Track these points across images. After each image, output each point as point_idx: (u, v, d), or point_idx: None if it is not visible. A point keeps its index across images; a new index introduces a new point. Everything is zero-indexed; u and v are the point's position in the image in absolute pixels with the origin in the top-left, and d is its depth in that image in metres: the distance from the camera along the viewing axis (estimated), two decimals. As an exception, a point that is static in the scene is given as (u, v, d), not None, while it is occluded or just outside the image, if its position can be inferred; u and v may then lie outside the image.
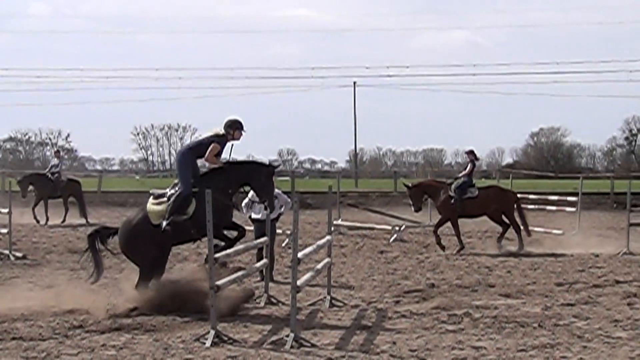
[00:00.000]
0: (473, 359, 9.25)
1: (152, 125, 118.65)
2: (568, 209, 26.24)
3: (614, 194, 40.28)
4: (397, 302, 12.90)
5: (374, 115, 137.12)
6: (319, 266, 12.21)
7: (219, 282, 10.17)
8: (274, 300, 12.63)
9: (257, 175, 12.43)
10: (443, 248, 20.01)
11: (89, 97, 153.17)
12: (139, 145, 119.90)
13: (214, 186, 11.66)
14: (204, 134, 12.84)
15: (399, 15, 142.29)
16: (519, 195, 22.13)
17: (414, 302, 12.86)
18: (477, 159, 21.63)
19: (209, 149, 12.30)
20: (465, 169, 21.39)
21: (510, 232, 20.73)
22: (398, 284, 14.82)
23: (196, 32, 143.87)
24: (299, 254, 10.24)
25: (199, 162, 12.70)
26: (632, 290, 13.87)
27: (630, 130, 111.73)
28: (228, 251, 11.16)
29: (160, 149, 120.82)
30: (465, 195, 20.50)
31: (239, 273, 11.21)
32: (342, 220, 26.27)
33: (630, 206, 20.68)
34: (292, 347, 9.59)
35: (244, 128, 12.64)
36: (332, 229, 15.41)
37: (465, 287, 14.41)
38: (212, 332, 9.91)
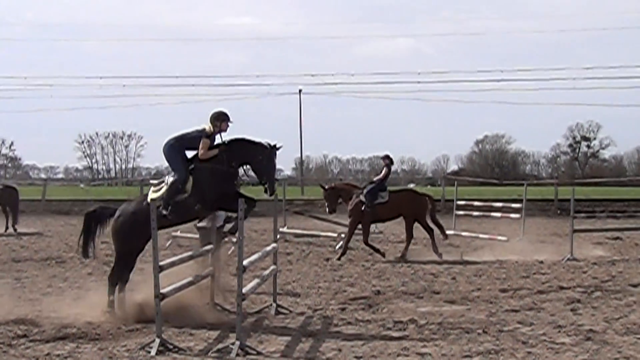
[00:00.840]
0: (418, 365, 9.29)
1: (97, 133, 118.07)
2: (512, 215, 26.46)
3: (558, 200, 40.76)
4: (343, 309, 12.89)
5: (320, 123, 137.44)
6: (265, 273, 12.20)
7: (164, 290, 10.10)
8: (220, 308, 12.57)
9: (258, 155, 12.28)
10: (383, 254, 20.07)
11: (32, 105, 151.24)
12: (84, 153, 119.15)
13: (214, 161, 11.88)
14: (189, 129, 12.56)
15: (344, 23, 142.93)
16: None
17: (359, 309, 12.88)
18: (392, 163, 21.70)
19: (201, 145, 12.12)
20: (381, 172, 21.38)
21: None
22: (344, 291, 14.84)
23: (141, 40, 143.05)
24: (245, 262, 10.21)
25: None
26: (575, 296, 14.03)
27: (574, 138, 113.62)
28: (173, 259, 11.06)
29: (105, 157, 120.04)
30: (376, 201, 20.53)
31: (184, 281, 11.13)
32: (288, 227, 26.24)
33: (573, 213, 20.92)
34: (237, 355, 9.56)
35: (230, 119, 12.51)
36: (278, 236, 15.42)
37: (411, 294, 14.47)
38: (157, 341, 9.83)
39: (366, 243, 20.47)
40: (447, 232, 21.91)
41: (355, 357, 9.64)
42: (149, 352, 9.72)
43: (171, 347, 9.89)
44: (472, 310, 12.78)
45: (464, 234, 25.13)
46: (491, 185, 65.84)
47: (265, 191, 12.47)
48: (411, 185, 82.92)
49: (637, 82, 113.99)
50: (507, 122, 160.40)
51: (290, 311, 12.59)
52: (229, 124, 12.51)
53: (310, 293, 14.52)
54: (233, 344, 9.74)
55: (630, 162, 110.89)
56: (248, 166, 12.43)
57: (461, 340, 10.53)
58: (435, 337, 10.76)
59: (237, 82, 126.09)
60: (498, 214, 26.66)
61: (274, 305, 12.62)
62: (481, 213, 27.23)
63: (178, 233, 22.91)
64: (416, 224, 20.69)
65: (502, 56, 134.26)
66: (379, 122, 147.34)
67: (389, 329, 11.28)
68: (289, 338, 10.70)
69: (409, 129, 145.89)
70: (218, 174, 12.09)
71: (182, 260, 11.26)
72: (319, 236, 24.72)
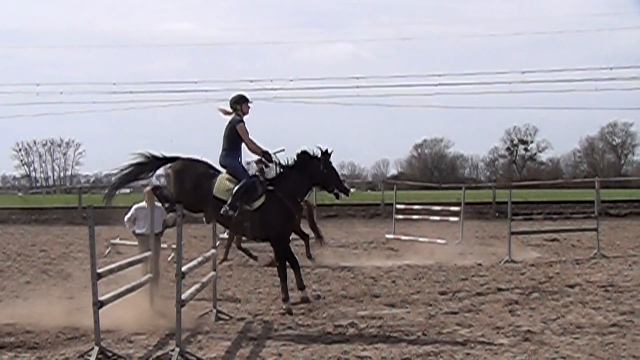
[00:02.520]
0: (358, 368, 9.32)
1: (35, 141, 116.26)
2: (451, 218, 26.68)
3: (496, 203, 41.14)
4: (283, 314, 12.88)
5: (259, 129, 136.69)
6: (204, 280, 12.14)
7: (102, 298, 9.99)
8: (160, 315, 12.47)
9: (319, 168, 12.42)
10: (255, 258, 20.02)
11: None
12: (21, 161, 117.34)
13: (285, 192, 12.11)
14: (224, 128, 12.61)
15: (283, 29, 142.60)
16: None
17: (300, 314, 12.88)
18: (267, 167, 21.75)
19: (241, 133, 12.23)
20: None
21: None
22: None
23: (78, 46, 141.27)
24: (183, 268, 10.15)
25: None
26: (513, 298, 14.18)
27: (512, 141, 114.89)
28: (112, 266, 10.95)
29: (43, 165, 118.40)
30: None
31: (123, 288, 11.03)
32: (227, 233, 26.05)
33: (511, 215, 21.15)
34: (177, 361, 9.50)
35: (250, 100, 12.63)
36: (218, 242, 15.35)
37: (351, 298, 14.51)
38: (96, 349, 9.74)
39: (239, 248, 20.42)
40: (387, 235, 21.99)
41: (296, 361, 9.65)
42: (88, 360, 9.62)
43: (110, 354, 9.80)
44: (411, 313, 12.85)
45: (403, 237, 25.27)
46: (430, 189, 66.31)
47: (337, 196, 12.79)
48: (352, 190, 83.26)
49: (573, 85, 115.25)
50: (445, 126, 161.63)
51: (231, 317, 12.54)
52: (249, 105, 12.65)
53: (251, 299, 14.48)
54: (173, 350, 9.68)
55: (567, 165, 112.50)
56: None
57: (401, 343, 10.59)
58: (375, 340, 10.80)
59: (176, 88, 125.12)
60: (437, 218, 26.85)
61: (214, 311, 12.57)
62: (420, 217, 27.41)
63: (117, 240, 22.71)
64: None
65: (439, 61, 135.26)
66: (318, 128, 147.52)
67: (329, 333, 11.30)
68: (229, 343, 10.67)
69: (348, 133, 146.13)
70: (287, 213, 12.25)
71: (120, 267, 11.16)
72: (259, 242, 24.59)
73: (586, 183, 56.64)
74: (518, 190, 52.05)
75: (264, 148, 12.62)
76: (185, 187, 12.22)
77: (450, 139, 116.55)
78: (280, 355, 9.97)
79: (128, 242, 21.03)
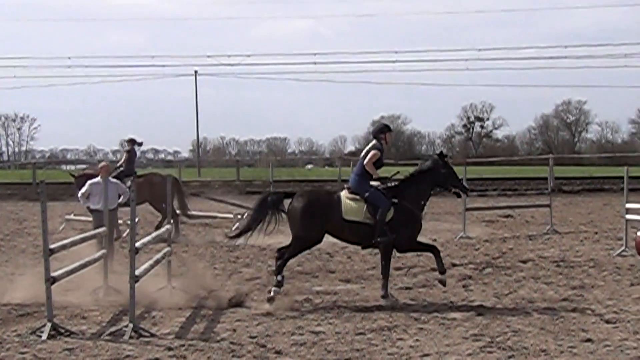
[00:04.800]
0: (312, 343, 9.35)
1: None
2: (407, 195, 26.75)
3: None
4: (239, 290, 12.88)
5: (217, 105, 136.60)
6: (158, 256, 12.11)
7: (54, 274, 9.94)
8: (114, 291, 12.42)
9: (439, 171, 12.54)
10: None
11: None
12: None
13: (407, 197, 12.17)
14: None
15: (241, 4, 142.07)
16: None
17: (255, 290, 12.90)
18: (139, 144, 21.88)
19: (369, 156, 12.36)
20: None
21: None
22: (240, 272, 14.86)
23: (33, 20, 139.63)
24: (137, 243, 10.12)
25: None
26: (467, 273, 14.33)
27: (468, 118, 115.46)
28: (64, 242, 10.87)
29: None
30: None
31: (77, 264, 10.97)
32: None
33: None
34: (131, 337, 9.50)
35: (392, 129, 13.17)
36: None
37: (307, 274, 14.57)
38: (49, 325, 9.69)
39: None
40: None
41: (250, 336, 9.66)
42: (40, 337, 9.57)
43: (63, 331, 9.76)
44: (366, 288, 12.93)
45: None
46: (387, 166, 66.34)
47: (458, 195, 13.11)
48: (309, 167, 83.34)
49: (528, 63, 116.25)
50: (402, 103, 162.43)
51: (185, 292, 12.50)
52: (392, 134, 13.06)
53: (206, 274, 14.44)
54: (126, 326, 9.67)
55: (522, 142, 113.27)
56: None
57: (355, 318, 10.66)
58: (330, 315, 10.87)
59: (133, 63, 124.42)
60: (393, 194, 26.87)
61: (169, 287, 12.54)
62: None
63: (71, 216, 22.57)
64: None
65: (397, 37, 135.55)
66: (277, 104, 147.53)
67: (284, 308, 11.33)
68: (183, 319, 10.67)
69: (306, 110, 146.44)
70: (412, 218, 12.28)
71: (73, 243, 11.10)
72: (215, 217, 24.59)
73: (541, 160, 57.02)
74: (473, 167, 52.38)
75: (378, 175, 12.60)
76: (316, 221, 12.15)
77: (408, 116, 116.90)
78: (234, 330, 10.00)
79: (83, 218, 20.91)
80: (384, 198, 12.09)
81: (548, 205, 22.14)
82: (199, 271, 14.68)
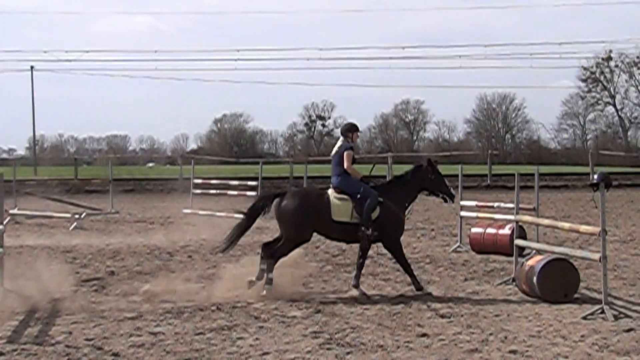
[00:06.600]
0: (151, 344, 9.23)
1: None
2: (249, 193, 26.80)
3: (294, 178, 41.68)
4: (76, 291, 12.61)
5: (55, 101, 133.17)
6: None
7: None
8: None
9: (427, 176, 12.81)
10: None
11: None
12: None
13: (392, 198, 12.41)
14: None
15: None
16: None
17: (92, 291, 12.64)
18: None
19: (345, 157, 12.55)
20: None
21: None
22: (77, 272, 14.51)
23: None
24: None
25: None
26: (308, 270, 14.39)
27: (310, 117, 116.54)
28: None
29: None
30: None
31: None
32: (18, 209, 25.24)
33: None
34: (-40, 343, 9.13)
35: (360, 130, 13.41)
36: (8, 218, 14.82)
37: (146, 274, 14.37)
38: None
39: None
40: (185, 210, 21.77)
41: (87, 339, 9.45)
42: None
43: None
44: (206, 287, 12.83)
45: (200, 212, 25.18)
46: (229, 164, 66.46)
47: (445, 200, 13.09)
48: (150, 165, 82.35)
49: (368, 63, 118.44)
50: (245, 101, 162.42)
51: (20, 295, 12.10)
52: (359, 134, 13.23)
53: (42, 275, 14.03)
54: (-45, 331, 9.31)
55: (362, 141, 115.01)
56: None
57: (195, 318, 10.59)
58: (169, 315, 10.75)
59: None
60: (235, 192, 26.91)
61: (1, 289, 12.12)
62: (218, 191, 27.40)
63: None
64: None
65: (239, 36, 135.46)
66: (117, 101, 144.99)
67: (122, 309, 11.14)
68: (16, 323, 10.34)
69: (147, 107, 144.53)
70: (396, 219, 12.51)
71: None
72: (52, 217, 23.99)
73: (380, 158, 58.11)
74: (315, 165, 52.87)
75: (361, 175, 12.84)
76: (307, 222, 12.33)
77: (250, 114, 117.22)
78: (70, 333, 9.76)
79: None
80: (373, 192, 12.44)
81: (386, 203, 22.51)
82: (35, 272, 14.25)
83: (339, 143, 12.86)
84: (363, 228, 12.27)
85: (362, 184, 12.57)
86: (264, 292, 11.95)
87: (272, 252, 12.27)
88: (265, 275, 12.13)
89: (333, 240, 13.09)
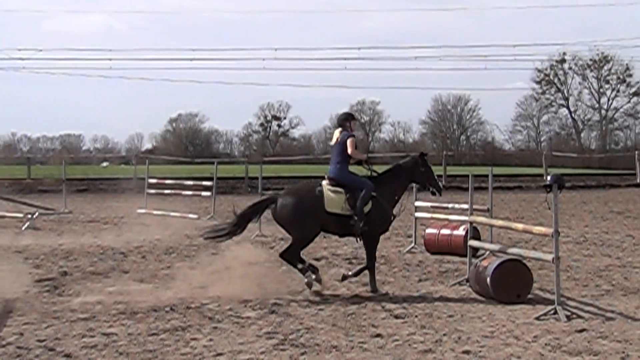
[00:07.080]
0: (104, 345, 9.16)
1: None
2: (204, 193, 26.74)
3: (249, 178, 41.58)
4: (28, 292, 12.47)
5: (7, 100, 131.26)
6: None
7: None
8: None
9: (418, 168, 12.95)
10: None
11: None
12: None
13: (383, 192, 12.53)
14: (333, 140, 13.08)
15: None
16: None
17: (44, 292, 12.51)
18: None
19: (349, 143, 12.60)
20: None
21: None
22: (29, 273, 14.35)
23: None
24: None
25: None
26: (262, 271, 14.28)
27: (265, 117, 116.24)
28: None
29: None
30: None
31: None
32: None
33: (262, 190, 21.49)
34: None
35: (357, 118, 12.67)
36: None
37: (99, 274, 14.25)
38: None
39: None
40: (139, 210, 21.67)
41: (38, 340, 9.35)
42: None
43: None
44: (160, 288, 12.76)
45: (155, 212, 25.06)
46: (184, 164, 66.19)
47: (434, 193, 13.16)
48: (104, 164, 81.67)
49: (324, 64, 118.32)
50: (200, 101, 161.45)
51: (-30, 296, 11.97)
52: (357, 123, 13.40)
53: (-8, 277, 13.90)
54: None
55: (318, 141, 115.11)
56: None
57: (148, 319, 10.52)
58: (122, 316, 10.67)
59: None
60: (189, 192, 26.82)
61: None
62: (173, 191, 27.28)
63: None
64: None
65: (194, 35, 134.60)
66: (70, 100, 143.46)
67: (75, 310, 11.04)
68: (-34, 324, 10.21)
69: (101, 106, 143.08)
70: (384, 214, 12.65)
71: None
72: (4, 217, 23.72)
73: (336, 159, 58.26)
74: (270, 165, 52.84)
75: (365, 157, 13.18)
76: (309, 217, 12.47)
77: (205, 114, 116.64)
78: (21, 334, 9.65)
79: None
80: (369, 184, 12.56)
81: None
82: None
83: (337, 133, 12.96)
84: (356, 218, 12.39)
85: (357, 175, 12.74)
86: (308, 279, 12.52)
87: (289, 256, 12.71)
88: (316, 273, 12.73)
89: (326, 232, 13.21)
